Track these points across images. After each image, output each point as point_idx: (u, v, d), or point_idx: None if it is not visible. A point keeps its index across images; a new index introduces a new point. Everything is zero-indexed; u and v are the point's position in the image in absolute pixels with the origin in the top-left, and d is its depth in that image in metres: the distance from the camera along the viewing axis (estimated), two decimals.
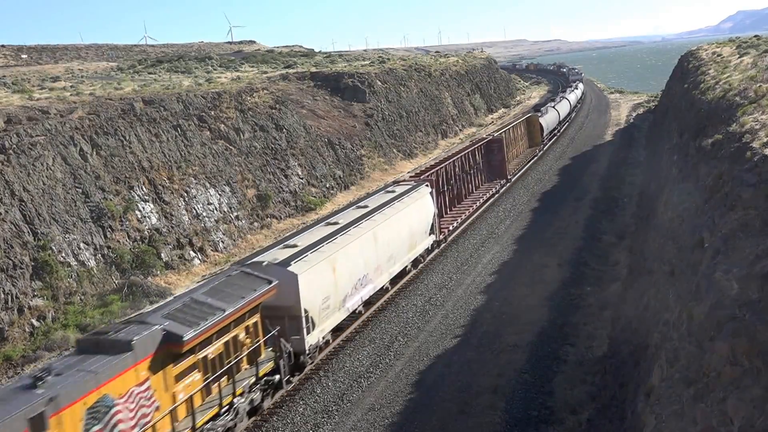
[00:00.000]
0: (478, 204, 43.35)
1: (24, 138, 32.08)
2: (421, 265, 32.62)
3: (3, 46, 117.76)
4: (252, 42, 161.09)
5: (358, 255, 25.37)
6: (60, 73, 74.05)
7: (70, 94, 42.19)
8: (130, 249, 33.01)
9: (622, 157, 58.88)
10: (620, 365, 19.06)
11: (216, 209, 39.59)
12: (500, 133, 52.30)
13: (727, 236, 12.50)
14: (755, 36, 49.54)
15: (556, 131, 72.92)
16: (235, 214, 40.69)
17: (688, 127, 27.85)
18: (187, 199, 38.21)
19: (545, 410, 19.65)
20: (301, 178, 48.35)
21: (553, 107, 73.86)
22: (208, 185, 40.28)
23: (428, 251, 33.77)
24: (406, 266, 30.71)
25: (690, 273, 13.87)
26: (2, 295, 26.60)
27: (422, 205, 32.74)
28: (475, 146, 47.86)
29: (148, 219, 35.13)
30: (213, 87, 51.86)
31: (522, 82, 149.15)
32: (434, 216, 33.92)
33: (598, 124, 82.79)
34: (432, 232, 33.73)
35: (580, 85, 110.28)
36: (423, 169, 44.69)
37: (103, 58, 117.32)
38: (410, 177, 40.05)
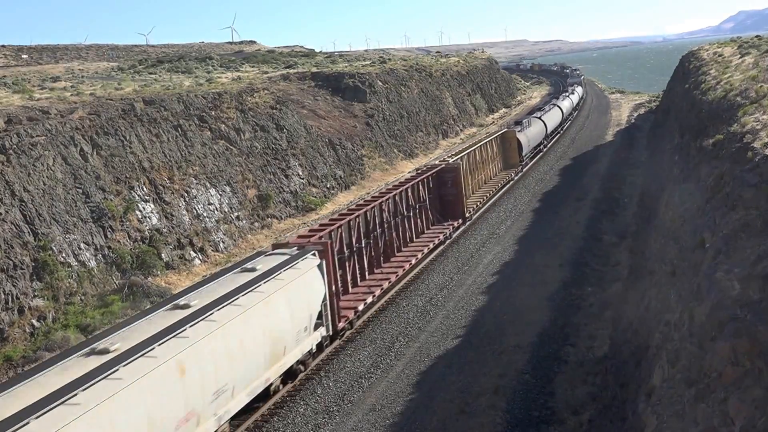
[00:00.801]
0: (414, 261, 31.80)
1: (24, 138, 32.07)
2: (302, 374, 22.16)
3: (3, 46, 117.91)
4: (252, 42, 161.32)
5: (129, 412, 14.06)
6: (60, 73, 74.13)
7: (71, 94, 42.19)
8: (131, 249, 33.00)
9: (623, 157, 58.86)
10: (621, 366, 19.03)
11: (216, 209, 39.59)
12: (457, 159, 40.93)
13: (729, 236, 12.48)
14: (756, 36, 49.48)
15: (542, 146, 63.24)
16: (236, 214, 40.68)
17: (689, 127, 27.83)
18: (187, 199, 38.20)
19: (546, 411, 19.64)
20: (302, 178, 48.34)
21: (539, 118, 63.80)
22: (208, 185, 40.27)
23: (312, 354, 22.66)
24: (272, 383, 20.14)
25: (691, 273, 13.85)
26: (3, 296, 26.58)
27: (300, 288, 21.12)
28: (420, 179, 36.12)
29: (148, 219, 35.12)
30: (213, 87, 51.87)
31: (523, 82, 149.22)
32: (325, 299, 22.61)
33: (599, 124, 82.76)
34: (321, 323, 22.65)
35: (578, 90, 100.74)
36: (326, 221, 30.32)
37: (103, 58, 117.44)
38: (298, 237, 26.14)
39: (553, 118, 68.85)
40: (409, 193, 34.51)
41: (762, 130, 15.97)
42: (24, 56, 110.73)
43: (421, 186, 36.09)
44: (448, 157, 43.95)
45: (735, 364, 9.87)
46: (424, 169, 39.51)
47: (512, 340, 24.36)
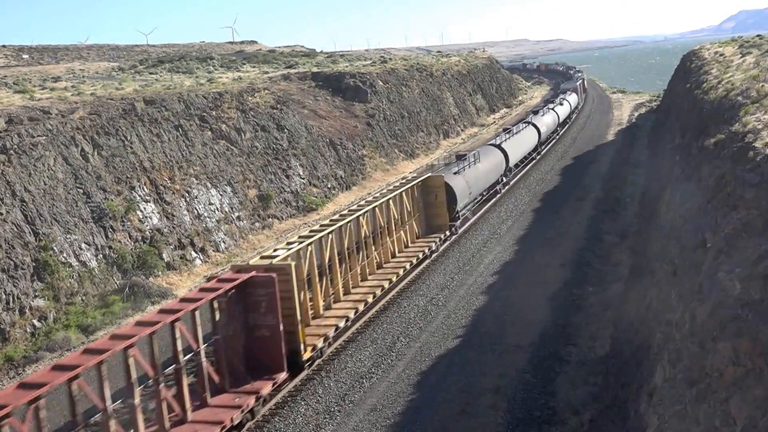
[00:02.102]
0: None
1: (25, 138, 32.08)
2: None
3: (4, 46, 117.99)
4: (253, 42, 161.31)
5: None
6: (61, 73, 74.14)
7: (72, 94, 42.19)
8: (132, 249, 33.00)
9: (624, 157, 58.83)
10: (623, 365, 19.02)
11: (217, 209, 39.59)
12: (286, 257, 22.69)
13: (730, 236, 12.47)
14: (758, 35, 49.45)
15: (498, 185, 46.30)
16: (237, 214, 40.68)
17: (690, 126, 27.83)
18: (188, 199, 38.21)
19: (547, 411, 19.63)
20: (303, 179, 48.34)
21: (498, 146, 47.01)
22: (209, 185, 40.27)
23: None
24: None
25: (692, 273, 13.83)
26: (4, 296, 26.60)
27: None
28: (189, 308, 18.21)
29: (149, 219, 35.13)
30: (214, 87, 51.87)
31: (524, 82, 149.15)
32: None
33: (600, 124, 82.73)
34: None
35: (571, 98, 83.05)
36: None
37: (104, 58, 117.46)
38: None
39: (520, 143, 52.50)
40: (152, 350, 16.79)
41: (763, 130, 15.96)
42: (25, 56, 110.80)
43: (191, 322, 18.30)
44: (280, 247, 24.06)
45: (736, 364, 9.86)
46: (214, 282, 20.20)
47: (513, 340, 24.35)
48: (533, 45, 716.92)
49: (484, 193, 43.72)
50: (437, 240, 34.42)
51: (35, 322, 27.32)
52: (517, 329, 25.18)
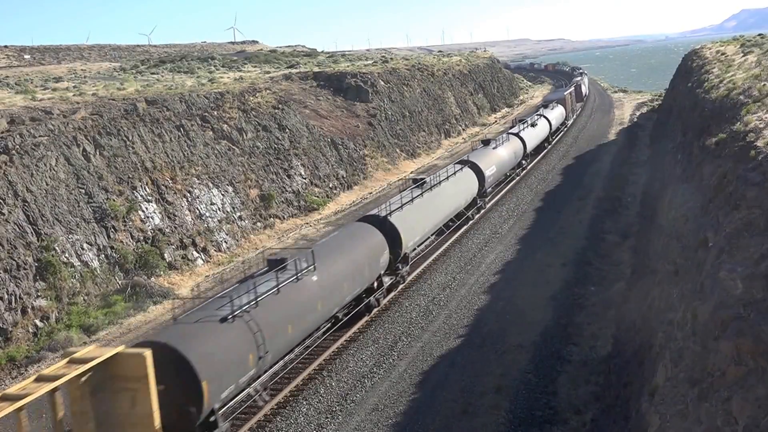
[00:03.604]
0: None
1: (27, 138, 32.11)
2: None
3: (6, 46, 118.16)
4: (255, 42, 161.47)
5: None
6: (63, 73, 74.19)
7: (73, 95, 42.23)
8: (134, 249, 33.02)
9: (625, 156, 58.80)
10: (624, 365, 19.01)
11: (219, 209, 39.60)
12: None
13: (732, 235, 12.46)
14: (759, 35, 49.42)
15: (374, 292, 26.82)
16: (238, 214, 40.69)
17: (692, 126, 27.82)
18: (190, 199, 38.22)
19: (549, 410, 19.63)
20: (304, 178, 48.34)
21: (383, 220, 27.94)
22: (211, 185, 40.29)
23: None
24: None
25: (694, 272, 13.83)
26: (6, 296, 26.62)
27: None
28: None
29: (151, 219, 35.14)
30: (216, 87, 51.88)
31: (525, 81, 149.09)
32: None
33: (602, 123, 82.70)
34: None
35: (554, 114, 66.78)
36: None
37: (106, 58, 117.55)
38: None
39: (434, 209, 32.86)
40: None
41: (765, 129, 15.95)
42: (26, 57, 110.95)
43: None
44: None
45: (738, 363, 9.86)
46: None
47: (515, 339, 24.35)
48: (534, 44, 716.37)
49: (340, 315, 25.04)
50: None
51: (37, 322, 27.34)
52: (518, 329, 25.18)
